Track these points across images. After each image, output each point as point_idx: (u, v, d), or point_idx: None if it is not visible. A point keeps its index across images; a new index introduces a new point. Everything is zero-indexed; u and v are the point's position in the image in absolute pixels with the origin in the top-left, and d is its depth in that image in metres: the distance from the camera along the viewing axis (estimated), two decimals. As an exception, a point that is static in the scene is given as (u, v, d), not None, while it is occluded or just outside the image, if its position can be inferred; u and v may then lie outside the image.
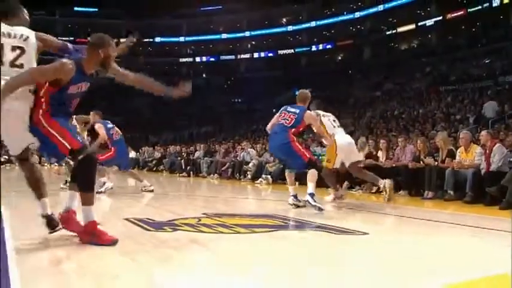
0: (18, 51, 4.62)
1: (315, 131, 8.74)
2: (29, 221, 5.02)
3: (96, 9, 63.97)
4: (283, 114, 8.33)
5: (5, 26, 4.62)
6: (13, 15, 4.86)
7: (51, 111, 4.57)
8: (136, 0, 60.19)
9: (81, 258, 4.08)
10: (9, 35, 4.62)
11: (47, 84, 4.55)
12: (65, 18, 63.33)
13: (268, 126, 8.47)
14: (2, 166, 16.67)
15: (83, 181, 4.62)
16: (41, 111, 4.54)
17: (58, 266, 3.83)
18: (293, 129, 8.11)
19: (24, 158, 4.84)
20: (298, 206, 8.08)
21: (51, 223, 4.82)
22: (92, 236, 4.51)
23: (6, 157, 13.40)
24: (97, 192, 9.03)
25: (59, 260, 4.05)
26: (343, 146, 9.11)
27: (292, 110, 8.38)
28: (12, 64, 4.57)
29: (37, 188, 4.88)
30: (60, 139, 4.51)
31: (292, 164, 8.47)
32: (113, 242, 4.49)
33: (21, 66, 4.60)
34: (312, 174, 7.87)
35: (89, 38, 4.95)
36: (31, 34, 4.79)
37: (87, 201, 4.56)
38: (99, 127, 9.97)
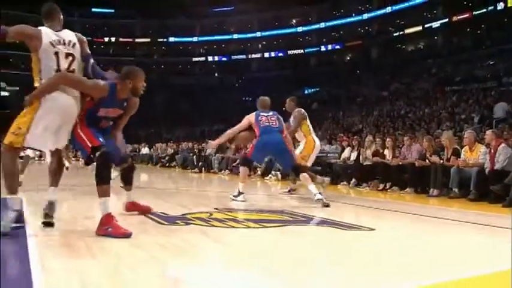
0: (70, 58, 4.92)
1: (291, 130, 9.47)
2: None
3: (113, 10, 64.11)
4: (264, 119, 8.67)
5: (55, 33, 4.88)
6: (53, 18, 5.07)
7: (86, 121, 5.01)
8: (151, 1, 60.32)
9: (96, 251, 4.08)
10: (62, 43, 4.86)
11: (88, 98, 5.02)
12: (82, 19, 63.48)
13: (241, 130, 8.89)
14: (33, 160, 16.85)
15: (100, 175, 4.81)
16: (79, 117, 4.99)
17: (74, 259, 3.84)
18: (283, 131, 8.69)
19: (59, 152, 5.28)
20: None
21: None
22: (107, 228, 4.60)
23: (38, 152, 13.46)
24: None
25: (75, 252, 4.07)
26: (318, 147, 10.09)
27: (271, 114, 8.83)
28: (67, 71, 4.85)
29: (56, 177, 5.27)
30: (85, 138, 4.92)
31: (283, 163, 9.13)
32: (126, 235, 4.56)
33: (73, 72, 4.92)
34: (306, 178, 8.18)
35: (123, 69, 5.30)
36: (75, 38, 5.02)
37: (103, 194, 4.74)
38: None
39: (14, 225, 4.55)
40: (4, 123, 8.68)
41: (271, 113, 8.82)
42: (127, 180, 6.12)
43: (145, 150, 30.66)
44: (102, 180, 4.81)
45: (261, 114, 8.76)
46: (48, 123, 4.72)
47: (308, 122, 10.09)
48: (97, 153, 4.84)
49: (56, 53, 4.82)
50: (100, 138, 4.99)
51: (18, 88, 41.89)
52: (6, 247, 4.26)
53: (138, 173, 13.05)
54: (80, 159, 17.46)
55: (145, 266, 3.59)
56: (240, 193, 8.31)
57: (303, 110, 10.18)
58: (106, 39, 64.10)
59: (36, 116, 4.66)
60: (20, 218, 4.66)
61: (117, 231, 4.58)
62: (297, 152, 9.53)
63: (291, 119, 10.06)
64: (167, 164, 25.40)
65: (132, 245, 4.33)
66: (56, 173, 5.26)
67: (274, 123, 8.64)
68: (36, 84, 4.83)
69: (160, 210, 6.46)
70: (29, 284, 2.95)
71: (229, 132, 9.04)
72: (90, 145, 4.90)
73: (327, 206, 7.49)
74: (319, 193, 7.82)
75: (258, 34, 62.97)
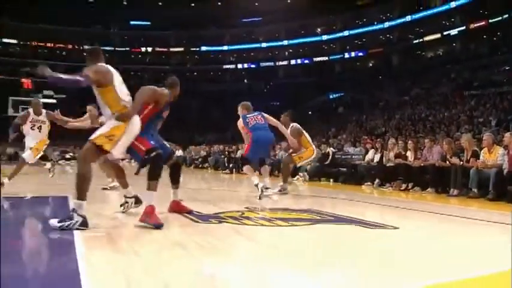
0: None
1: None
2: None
3: (149, 23, 64.79)
4: (251, 119, 8.97)
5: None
6: (101, 57, 5.32)
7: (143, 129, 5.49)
8: (184, 13, 60.80)
9: (138, 248, 4.14)
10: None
11: (152, 106, 5.74)
12: (121, 31, 64.33)
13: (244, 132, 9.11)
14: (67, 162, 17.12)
15: (151, 172, 5.32)
16: None
17: (118, 254, 3.90)
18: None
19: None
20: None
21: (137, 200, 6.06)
22: (147, 216, 5.06)
23: (72, 154, 13.71)
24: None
25: (118, 248, 4.14)
26: (314, 155, 10.74)
27: (256, 113, 9.13)
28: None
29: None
30: (137, 144, 5.43)
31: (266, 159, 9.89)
32: (159, 225, 4.97)
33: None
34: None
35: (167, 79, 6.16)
36: None
37: (152, 188, 5.26)
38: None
39: (81, 228, 4.68)
40: (53, 127, 9.03)
41: (256, 113, 9.11)
42: (174, 179, 6.37)
43: (179, 152, 30.81)
44: (154, 176, 5.28)
45: (247, 116, 9.00)
46: (130, 137, 5.21)
47: (305, 134, 10.32)
48: (151, 154, 5.34)
49: (122, 80, 5.30)
50: (152, 141, 5.53)
51: (64, 96, 42.52)
52: (55, 243, 4.35)
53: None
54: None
55: (183, 262, 3.62)
56: (257, 185, 8.61)
57: (298, 126, 10.29)
58: (143, 49, 64.79)
59: (126, 130, 5.10)
60: (84, 223, 4.74)
61: (153, 219, 5.02)
62: (294, 155, 10.18)
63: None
64: (200, 166, 25.54)
65: (170, 242, 4.39)
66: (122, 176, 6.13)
67: (260, 121, 8.94)
68: (114, 110, 5.12)
69: (195, 209, 6.51)
70: (77, 279, 3.00)
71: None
72: (144, 148, 5.40)
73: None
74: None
75: (285, 42, 62.89)
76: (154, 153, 5.35)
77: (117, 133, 5.02)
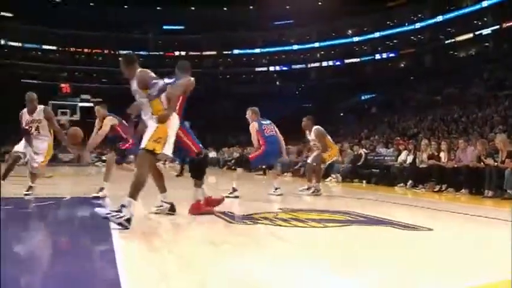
0: None
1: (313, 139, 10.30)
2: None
3: (182, 27, 65.36)
4: (267, 128, 9.32)
5: None
6: (136, 62, 5.53)
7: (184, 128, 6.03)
8: (217, 16, 61.16)
9: (173, 246, 4.24)
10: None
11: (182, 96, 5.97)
12: (155, 36, 65.04)
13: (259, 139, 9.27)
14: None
15: (198, 171, 6.23)
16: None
17: (153, 252, 3.98)
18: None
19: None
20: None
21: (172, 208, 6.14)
22: (196, 210, 6.05)
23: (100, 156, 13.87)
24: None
25: (154, 245, 4.22)
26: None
27: (268, 122, 9.51)
28: None
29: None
30: (190, 145, 6.08)
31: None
32: (209, 213, 6.05)
33: None
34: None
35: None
36: None
37: (198, 185, 6.21)
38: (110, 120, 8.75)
39: (125, 223, 4.80)
40: (92, 129, 8.90)
41: (268, 122, 9.49)
42: (198, 175, 6.44)
43: (212, 154, 30.97)
44: (199, 175, 6.21)
45: (263, 123, 9.31)
46: (173, 132, 5.41)
47: (327, 135, 10.50)
48: (200, 156, 6.15)
49: None
50: (200, 144, 6.21)
51: (101, 99, 43.36)
52: (93, 241, 4.44)
53: (206, 175, 13.20)
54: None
55: (216, 262, 3.64)
56: (234, 190, 8.92)
57: (321, 128, 10.39)
58: (176, 53, 65.33)
59: (169, 128, 5.32)
60: (129, 220, 4.85)
61: (202, 210, 6.05)
62: (323, 155, 10.28)
63: (311, 136, 10.38)
64: (233, 167, 25.56)
65: (204, 242, 4.45)
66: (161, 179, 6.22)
67: (274, 133, 9.36)
68: (155, 110, 5.35)
69: (229, 210, 6.54)
70: (115, 274, 3.08)
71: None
72: (196, 151, 6.12)
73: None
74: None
75: (316, 44, 62.68)
76: (202, 155, 6.16)
77: (163, 134, 5.22)
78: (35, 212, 6.57)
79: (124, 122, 8.38)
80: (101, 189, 8.21)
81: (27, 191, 8.02)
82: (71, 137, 8.16)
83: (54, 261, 3.69)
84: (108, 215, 4.81)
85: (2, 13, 59.58)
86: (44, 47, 62.63)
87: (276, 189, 9.52)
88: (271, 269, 3.48)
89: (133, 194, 4.93)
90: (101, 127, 8.35)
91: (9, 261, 3.52)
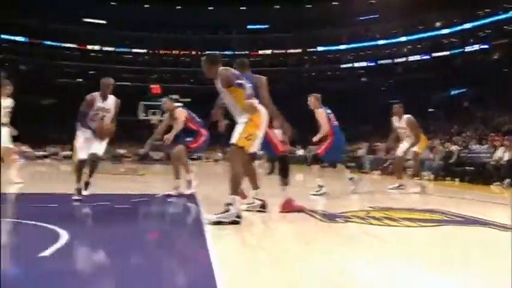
0: None
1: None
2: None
3: (267, 26, 65.91)
4: (331, 117, 8.97)
5: None
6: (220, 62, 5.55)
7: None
8: (301, 14, 61.20)
9: (264, 242, 4.31)
10: None
11: None
12: (239, 35, 66.03)
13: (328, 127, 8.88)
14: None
15: (284, 171, 6.31)
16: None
17: (244, 248, 4.08)
18: None
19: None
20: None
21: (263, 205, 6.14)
22: (285, 207, 6.08)
23: (199, 155, 14.20)
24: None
25: (244, 241, 4.35)
26: None
27: (329, 111, 9.06)
28: None
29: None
30: (276, 143, 6.32)
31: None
32: (300, 209, 6.10)
33: None
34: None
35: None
36: None
37: (285, 183, 6.25)
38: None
39: (236, 219, 5.04)
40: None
41: (329, 110, 9.04)
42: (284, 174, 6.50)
43: (300, 151, 30.92)
44: (286, 174, 6.30)
45: (327, 112, 8.94)
46: (263, 131, 5.47)
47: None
48: (284, 156, 6.38)
49: None
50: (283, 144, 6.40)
51: (190, 99, 44.53)
52: (188, 236, 4.59)
53: (294, 173, 13.22)
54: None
55: (307, 260, 3.63)
56: (320, 187, 8.71)
57: (412, 117, 10.09)
58: (261, 52, 65.92)
59: (260, 126, 5.38)
60: (239, 215, 5.08)
61: (292, 208, 6.08)
62: (415, 149, 10.04)
63: (400, 123, 10.12)
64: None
65: (296, 240, 4.53)
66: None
67: (337, 123, 8.99)
68: (241, 107, 5.38)
69: (319, 208, 6.53)
70: (210, 271, 3.12)
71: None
72: (281, 150, 6.36)
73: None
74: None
75: (403, 38, 61.34)
76: (285, 155, 6.36)
77: (253, 131, 5.30)
78: (131, 208, 6.82)
79: (192, 114, 8.52)
80: (176, 187, 8.20)
81: (85, 188, 7.01)
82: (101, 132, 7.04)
83: (151, 254, 3.85)
84: (220, 219, 4.98)
85: (97, 21, 62.88)
86: (134, 50, 65.37)
87: (320, 187, 9.12)
88: (364, 269, 3.44)
89: (235, 190, 5.12)
90: (172, 120, 8.39)
91: (120, 250, 3.72)
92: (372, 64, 63.65)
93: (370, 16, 62.07)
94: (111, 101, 7.09)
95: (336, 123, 8.92)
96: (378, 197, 8.53)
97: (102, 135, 6.95)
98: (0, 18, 52.47)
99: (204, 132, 8.43)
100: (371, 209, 6.69)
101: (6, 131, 9.58)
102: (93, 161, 6.96)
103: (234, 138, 5.23)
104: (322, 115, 8.81)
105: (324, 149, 8.87)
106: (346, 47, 65.14)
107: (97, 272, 3.31)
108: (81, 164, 7.00)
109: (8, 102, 9.52)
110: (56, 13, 59.14)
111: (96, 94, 7.00)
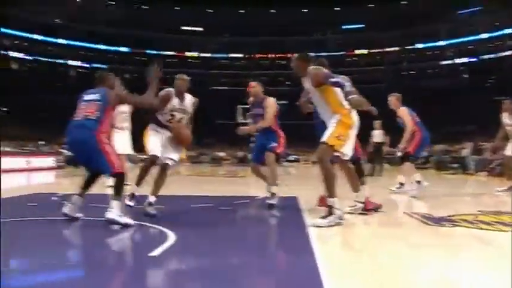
0: None
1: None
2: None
3: (363, 25, 65.24)
4: (414, 113, 8.75)
5: None
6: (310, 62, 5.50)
7: None
8: (396, 11, 59.99)
9: (369, 246, 4.29)
10: None
11: None
12: (334, 35, 65.78)
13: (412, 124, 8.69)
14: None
15: (359, 173, 6.29)
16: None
17: (349, 249, 4.09)
18: None
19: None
20: None
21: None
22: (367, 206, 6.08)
23: (296, 157, 14.21)
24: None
25: (351, 245, 4.39)
26: None
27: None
28: None
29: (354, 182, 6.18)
30: (357, 146, 6.05)
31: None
32: (376, 207, 6.20)
33: None
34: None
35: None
36: None
37: (361, 182, 6.24)
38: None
39: (341, 220, 5.10)
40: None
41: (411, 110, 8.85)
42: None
43: (399, 153, 30.23)
44: (361, 175, 6.36)
45: (409, 108, 8.73)
46: (353, 135, 5.38)
47: None
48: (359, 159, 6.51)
49: None
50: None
51: (286, 102, 45.00)
52: (292, 238, 4.70)
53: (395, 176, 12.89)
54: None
55: (411, 264, 3.58)
56: (418, 182, 8.57)
57: None
58: (357, 51, 65.27)
59: (351, 126, 5.31)
60: (341, 216, 5.12)
61: (371, 206, 6.12)
62: None
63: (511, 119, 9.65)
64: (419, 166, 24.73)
65: (400, 242, 4.42)
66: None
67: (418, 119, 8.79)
68: (333, 108, 5.31)
69: (424, 210, 6.42)
70: (316, 273, 3.14)
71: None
72: (358, 152, 6.39)
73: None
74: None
75: (509, 31, 58.21)
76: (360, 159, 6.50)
77: (344, 131, 5.21)
78: (234, 210, 6.95)
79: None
80: (273, 194, 6.98)
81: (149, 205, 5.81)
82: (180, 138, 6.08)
83: (259, 255, 3.98)
84: (328, 223, 4.99)
85: (194, 28, 64.96)
86: (231, 55, 66.90)
87: (401, 185, 9.09)
88: (472, 275, 3.29)
89: (331, 191, 5.10)
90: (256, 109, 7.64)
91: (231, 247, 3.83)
92: (474, 60, 61.15)
93: (471, 9, 59.81)
94: (188, 100, 6.22)
95: (418, 120, 8.76)
96: (486, 200, 8.11)
97: (181, 143, 6.08)
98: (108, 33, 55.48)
99: (282, 133, 7.29)
100: (479, 212, 6.36)
101: (125, 137, 9.45)
102: (166, 165, 5.97)
103: (325, 137, 5.17)
104: (405, 112, 8.65)
105: (415, 146, 8.70)
106: (445, 42, 62.98)
107: (208, 271, 3.39)
108: (152, 160, 6.01)
109: (124, 107, 8.80)
110: (157, 24, 61.96)
111: (172, 91, 6.17)
